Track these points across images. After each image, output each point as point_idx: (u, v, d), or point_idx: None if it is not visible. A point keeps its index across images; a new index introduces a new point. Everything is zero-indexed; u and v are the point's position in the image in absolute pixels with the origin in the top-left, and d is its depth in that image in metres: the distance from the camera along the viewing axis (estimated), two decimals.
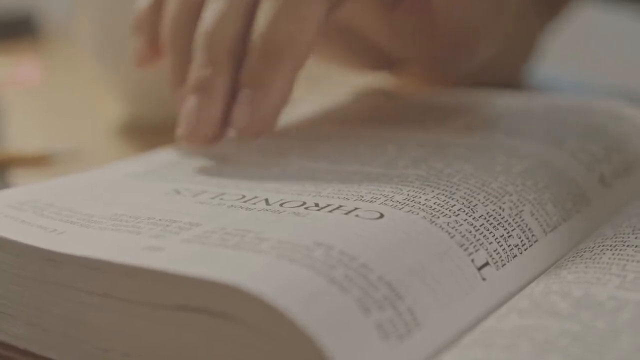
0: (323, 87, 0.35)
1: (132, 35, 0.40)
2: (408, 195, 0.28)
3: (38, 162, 0.47)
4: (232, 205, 0.28)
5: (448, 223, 0.27)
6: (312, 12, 0.33)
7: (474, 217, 0.27)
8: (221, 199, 0.29)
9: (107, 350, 0.25)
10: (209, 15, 0.34)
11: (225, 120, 0.34)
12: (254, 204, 0.28)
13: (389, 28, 0.38)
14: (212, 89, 0.33)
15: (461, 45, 0.39)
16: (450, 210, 0.27)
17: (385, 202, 0.27)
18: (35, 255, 0.26)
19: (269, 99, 0.33)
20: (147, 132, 0.54)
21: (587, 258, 0.27)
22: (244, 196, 0.29)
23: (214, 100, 0.33)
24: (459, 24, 0.38)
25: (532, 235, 0.28)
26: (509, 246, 0.27)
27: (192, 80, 0.34)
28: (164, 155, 0.36)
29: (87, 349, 0.26)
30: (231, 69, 0.34)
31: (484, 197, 0.29)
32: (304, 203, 0.28)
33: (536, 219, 0.29)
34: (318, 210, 0.27)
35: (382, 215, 0.26)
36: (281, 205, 0.28)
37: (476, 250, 0.26)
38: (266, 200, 0.29)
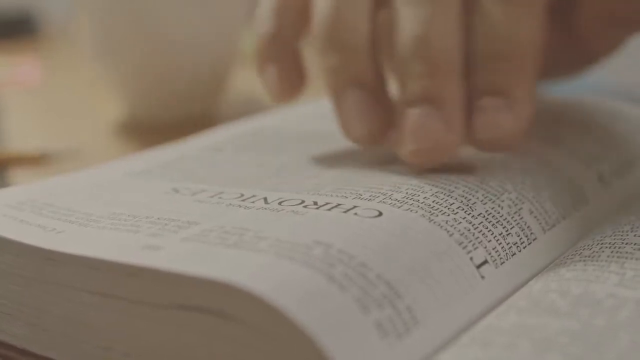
0: (322, 86, 0.34)
1: (261, 68, 0.36)
2: (407, 193, 0.28)
3: (37, 161, 0.47)
4: (230, 204, 0.28)
5: (447, 221, 0.27)
6: (541, 18, 0.31)
7: (473, 215, 0.27)
8: (220, 197, 0.29)
9: (107, 350, 0.25)
10: (418, 21, 0.31)
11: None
12: (253, 202, 0.28)
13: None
14: (444, 99, 0.29)
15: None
16: (448, 209, 0.27)
17: (384, 200, 0.27)
18: (34, 254, 0.26)
19: (523, 106, 0.30)
20: (146, 131, 0.54)
21: (586, 256, 0.27)
22: (242, 195, 0.29)
23: (450, 111, 0.29)
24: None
25: (531, 234, 0.28)
26: (507, 244, 0.27)
27: (415, 91, 0.30)
28: (163, 154, 0.36)
29: (87, 349, 0.26)
30: (460, 77, 0.30)
31: (483, 195, 0.29)
32: (303, 201, 0.28)
33: (535, 217, 0.29)
34: (317, 208, 0.27)
35: (380, 214, 0.26)
36: (280, 203, 0.28)
37: (475, 249, 0.26)
38: (265, 199, 0.29)
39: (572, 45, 0.37)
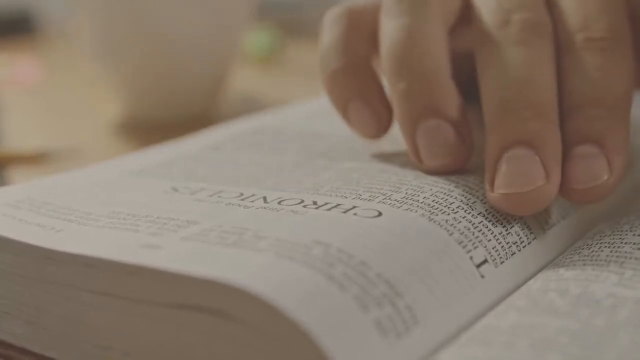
0: (320, 86, 0.34)
1: (343, 108, 0.34)
2: (406, 193, 0.28)
3: (36, 160, 0.47)
4: (230, 203, 0.28)
5: (447, 220, 0.27)
6: (632, 65, 0.31)
7: (473, 215, 0.27)
8: (219, 196, 0.29)
9: (106, 349, 0.25)
10: (524, 64, 0.30)
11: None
12: (252, 201, 0.28)
13: None
14: (546, 145, 0.28)
15: None
16: (448, 208, 0.27)
17: (384, 200, 0.27)
18: (33, 253, 0.26)
19: (622, 157, 0.29)
20: (145, 130, 0.54)
21: (585, 255, 0.27)
22: (242, 194, 0.29)
23: (551, 158, 0.28)
24: None
25: (531, 233, 0.28)
26: (507, 243, 0.27)
27: (518, 133, 0.28)
28: (162, 153, 0.36)
29: (87, 348, 0.26)
30: (558, 124, 0.29)
31: (483, 194, 0.29)
32: (302, 201, 0.28)
33: (535, 216, 0.29)
34: (316, 208, 0.27)
35: (380, 214, 0.26)
36: (279, 203, 0.28)
37: (475, 248, 0.26)
38: (264, 198, 0.29)
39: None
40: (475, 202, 0.28)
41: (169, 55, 0.54)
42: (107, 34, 0.54)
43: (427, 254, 0.25)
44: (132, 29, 0.53)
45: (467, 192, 0.28)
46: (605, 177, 0.28)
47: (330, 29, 0.34)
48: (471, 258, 0.26)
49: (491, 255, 0.26)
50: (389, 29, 0.32)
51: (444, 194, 0.28)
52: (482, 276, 0.26)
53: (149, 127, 0.54)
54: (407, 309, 0.23)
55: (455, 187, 0.29)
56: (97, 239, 0.26)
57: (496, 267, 0.26)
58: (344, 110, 0.34)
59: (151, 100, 0.55)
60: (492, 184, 0.28)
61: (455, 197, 0.28)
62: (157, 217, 0.27)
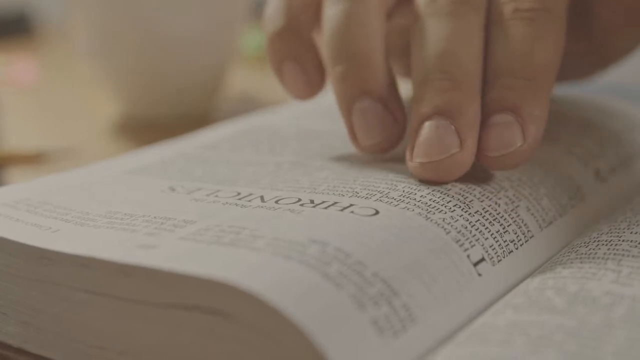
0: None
1: (277, 66, 0.35)
2: (403, 191, 0.28)
3: (33, 160, 0.47)
4: (227, 203, 0.28)
5: (444, 219, 0.27)
6: (562, 37, 0.31)
7: (470, 213, 0.27)
8: (216, 196, 0.29)
9: (102, 349, 0.25)
10: (445, 36, 0.30)
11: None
12: (249, 201, 0.28)
13: None
14: (462, 114, 0.29)
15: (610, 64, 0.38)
16: (445, 207, 0.27)
17: (381, 198, 0.27)
18: (29, 254, 0.26)
19: (536, 125, 0.29)
20: (143, 130, 0.54)
21: (582, 253, 0.27)
22: (239, 193, 0.29)
23: (467, 128, 0.29)
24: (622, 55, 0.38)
25: (528, 231, 0.28)
26: (504, 242, 0.27)
27: (435, 104, 0.29)
28: (159, 152, 0.36)
29: (82, 348, 0.26)
30: (479, 94, 0.30)
31: (480, 192, 0.29)
32: (299, 200, 0.28)
33: (532, 214, 0.29)
34: (313, 207, 0.27)
35: (377, 212, 0.26)
36: (276, 202, 0.28)
37: (472, 246, 0.26)
38: (261, 198, 0.29)
39: (589, 49, 0.37)
40: (472, 200, 0.28)
41: (166, 55, 0.53)
42: (104, 34, 0.54)
43: (424, 252, 0.25)
44: (129, 28, 0.53)
45: (463, 191, 0.28)
46: (519, 145, 0.29)
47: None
48: (468, 256, 0.26)
49: (488, 254, 0.26)
50: (329, 14, 0.33)
51: (441, 192, 0.28)
52: (480, 274, 0.26)
53: (146, 127, 0.54)
54: (404, 308, 0.23)
55: (452, 185, 0.29)
56: (94, 239, 0.26)
57: (493, 265, 0.26)
58: (279, 70, 0.35)
59: (148, 99, 0.55)
60: (411, 153, 0.29)
61: (452, 196, 0.28)
62: (154, 217, 0.27)
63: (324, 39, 0.33)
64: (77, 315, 0.25)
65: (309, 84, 0.35)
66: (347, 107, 0.32)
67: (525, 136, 0.29)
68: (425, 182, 0.29)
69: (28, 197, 0.30)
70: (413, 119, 0.30)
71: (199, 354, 0.23)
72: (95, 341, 0.25)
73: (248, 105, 0.59)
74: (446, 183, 0.29)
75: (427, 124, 0.29)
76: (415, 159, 0.29)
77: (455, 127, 0.29)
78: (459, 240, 0.26)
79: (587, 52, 0.37)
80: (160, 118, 0.56)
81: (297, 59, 0.34)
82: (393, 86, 0.32)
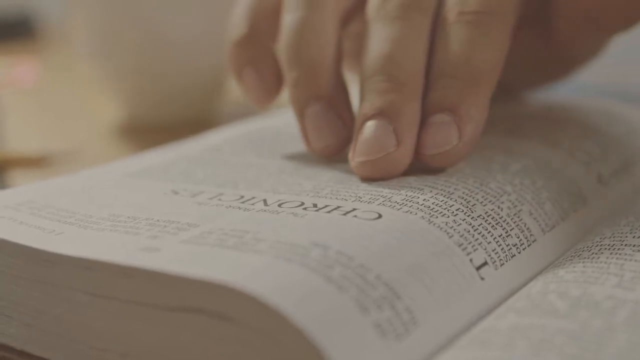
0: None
1: (238, 72, 0.36)
2: (406, 195, 0.28)
3: (35, 163, 0.47)
4: (230, 206, 0.28)
5: (446, 223, 0.27)
6: (506, 40, 0.32)
7: (473, 217, 0.27)
8: (219, 199, 0.29)
9: (103, 351, 0.25)
10: (388, 40, 0.31)
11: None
12: (252, 204, 0.28)
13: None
14: (400, 115, 0.30)
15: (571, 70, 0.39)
16: (448, 210, 0.27)
17: (384, 202, 0.27)
18: (32, 256, 0.26)
19: (473, 125, 0.30)
20: (144, 132, 0.54)
21: (585, 257, 0.27)
22: (242, 197, 0.29)
23: (405, 128, 0.30)
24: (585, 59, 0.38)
25: (531, 235, 0.28)
26: (507, 246, 0.27)
27: (375, 105, 0.31)
28: (162, 155, 0.36)
29: (84, 349, 0.26)
30: (420, 95, 0.31)
31: (483, 196, 0.29)
32: (302, 203, 0.28)
33: (534, 218, 0.29)
34: (316, 210, 0.27)
35: (380, 216, 0.26)
36: (279, 205, 0.28)
37: (474, 250, 0.26)
38: (264, 201, 0.29)
39: (553, 52, 0.38)
40: (475, 204, 0.28)
41: (167, 57, 0.53)
42: (105, 36, 0.54)
43: (426, 256, 0.25)
44: (130, 30, 0.53)
45: (466, 195, 0.28)
46: (455, 143, 0.30)
47: (240, 3, 0.37)
48: (471, 260, 0.26)
49: (491, 258, 0.26)
50: (286, 21, 0.34)
51: (444, 196, 0.28)
52: (482, 278, 0.26)
53: (148, 130, 0.54)
54: (407, 311, 0.23)
55: (455, 189, 0.29)
56: (97, 242, 0.26)
57: (496, 269, 0.26)
58: (238, 75, 0.36)
59: (149, 101, 0.55)
60: (354, 152, 0.31)
61: (455, 200, 0.28)
62: (157, 220, 0.27)
63: (280, 47, 0.35)
64: (79, 317, 0.25)
65: (267, 90, 0.36)
66: (299, 112, 0.33)
67: (461, 135, 0.30)
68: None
69: (31, 200, 0.30)
70: (357, 120, 0.31)
71: (200, 356, 0.23)
72: (97, 343, 0.25)
73: (250, 108, 0.59)
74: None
75: (367, 124, 0.30)
76: (356, 158, 0.30)
77: (393, 127, 0.30)
78: (462, 244, 0.26)
79: (550, 58, 0.38)
80: (162, 120, 0.56)
81: (255, 65, 0.36)
82: (343, 91, 0.33)
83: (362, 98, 0.31)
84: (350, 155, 0.31)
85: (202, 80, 0.55)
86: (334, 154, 0.33)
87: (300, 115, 0.33)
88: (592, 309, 0.23)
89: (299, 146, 0.36)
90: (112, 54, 0.54)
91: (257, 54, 0.36)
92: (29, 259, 0.26)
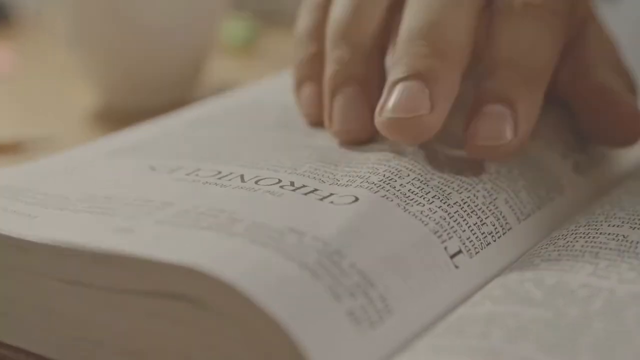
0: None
1: (298, 87, 0.35)
2: (384, 176, 0.28)
3: (12, 150, 0.47)
4: (207, 182, 0.28)
5: (422, 211, 0.27)
6: (562, 41, 0.31)
7: (449, 204, 0.27)
8: (196, 174, 0.29)
9: (79, 339, 0.25)
10: (433, 9, 0.30)
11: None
12: (229, 180, 0.28)
13: None
14: (439, 80, 0.29)
15: None
16: (424, 198, 0.27)
17: (361, 184, 0.27)
18: (5, 242, 0.26)
19: (527, 123, 0.30)
20: (121, 119, 0.53)
21: (560, 246, 0.27)
22: (219, 172, 0.29)
23: (441, 95, 0.29)
24: None
25: (506, 223, 0.28)
26: (482, 234, 0.27)
27: (412, 66, 0.29)
28: (139, 132, 0.36)
29: (60, 338, 0.25)
30: (461, 73, 0.30)
31: (458, 184, 0.28)
32: (280, 181, 0.28)
33: (510, 206, 0.29)
34: (293, 190, 0.27)
35: (356, 199, 0.26)
36: (256, 182, 0.28)
37: (449, 238, 0.26)
38: (241, 177, 0.28)
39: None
40: (450, 192, 0.28)
41: (144, 43, 0.53)
42: (81, 22, 0.53)
43: (401, 244, 0.25)
44: (107, 16, 0.52)
45: (442, 184, 0.28)
46: (509, 139, 0.29)
47: (304, 17, 0.36)
48: (445, 248, 0.26)
49: (465, 246, 0.26)
50: (337, 4, 0.34)
51: (421, 182, 0.28)
52: (457, 267, 0.26)
53: (124, 116, 0.54)
54: (381, 299, 0.23)
55: (431, 176, 0.28)
56: (72, 225, 0.26)
57: (471, 257, 0.26)
58: (297, 90, 0.35)
59: (126, 88, 0.55)
60: (381, 109, 0.29)
61: (432, 187, 0.28)
62: (134, 200, 0.27)
63: (328, 23, 0.34)
64: (54, 305, 0.25)
65: (320, 107, 0.34)
66: (332, 90, 0.32)
67: (516, 132, 0.29)
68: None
69: (7, 185, 0.30)
70: (389, 80, 0.30)
71: (176, 344, 0.23)
72: (72, 331, 0.25)
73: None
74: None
75: (401, 83, 0.29)
76: (384, 114, 0.29)
77: (429, 91, 0.29)
78: (437, 231, 0.26)
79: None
80: (139, 107, 0.55)
81: (317, 81, 0.34)
82: (381, 80, 0.32)
83: (397, 61, 0.30)
84: (376, 111, 0.29)
85: (179, 66, 0.55)
86: (352, 141, 0.31)
87: (332, 94, 0.32)
88: (568, 297, 0.23)
89: (280, 118, 0.35)
90: (88, 40, 0.54)
91: (318, 71, 0.34)
92: (2, 246, 0.26)
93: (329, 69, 0.33)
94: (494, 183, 0.29)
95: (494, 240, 0.27)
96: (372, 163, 0.29)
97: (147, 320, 0.23)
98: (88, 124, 0.53)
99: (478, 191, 0.29)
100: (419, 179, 0.28)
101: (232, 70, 0.67)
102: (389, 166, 0.28)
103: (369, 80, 0.32)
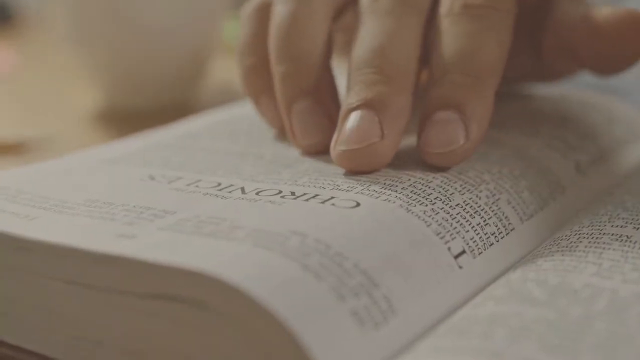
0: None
1: (256, 100, 0.36)
2: (384, 184, 0.28)
3: (12, 150, 0.47)
4: (207, 193, 0.28)
5: (424, 212, 0.27)
6: (509, 37, 0.31)
7: (451, 206, 0.27)
8: (197, 186, 0.29)
9: (79, 339, 0.25)
10: (380, 33, 0.31)
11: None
12: (230, 192, 0.28)
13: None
14: (388, 107, 0.29)
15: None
16: (426, 199, 0.27)
17: (362, 191, 0.27)
18: (5, 242, 0.26)
19: (479, 124, 0.30)
20: (123, 119, 0.53)
21: (563, 246, 0.27)
22: (219, 184, 0.29)
23: (391, 121, 0.29)
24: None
25: (509, 224, 0.28)
26: (485, 234, 0.27)
27: (362, 96, 0.30)
28: (139, 142, 0.36)
29: (59, 338, 0.25)
30: (410, 93, 0.30)
31: (461, 185, 0.28)
32: (280, 192, 0.28)
33: (513, 207, 0.29)
34: (294, 199, 0.27)
35: (358, 204, 0.26)
36: (257, 193, 0.28)
37: (453, 239, 0.26)
38: (242, 189, 0.28)
39: (540, 64, 0.37)
40: (453, 193, 0.28)
41: (145, 43, 0.53)
42: (83, 23, 0.53)
43: (404, 244, 0.25)
44: (108, 16, 0.52)
45: (445, 184, 0.28)
46: (461, 143, 0.29)
47: (245, 24, 0.36)
48: (449, 249, 0.26)
49: (469, 246, 0.26)
50: (276, 14, 0.34)
51: (422, 184, 0.28)
52: (460, 267, 0.26)
53: (125, 116, 0.54)
54: (384, 300, 0.23)
55: (434, 178, 0.29)
56: (72, 228, 0.26)
57: (474, 257, 0.26)
58: (256, 103, 0.36)
59: (127, 88, 0.55)
60: (336, 141, 0.30)
61: (434, 188, 0.28)
62: (134, 206, 0.27)
63: (269, 40, 0.34)
64: (54, 305, 0.25)
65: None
66: (286, 107, 0.33)
67: (468, 135, 0.29)
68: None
69: (6, 186, 0.30)
70: (342, 110, 0.30)
71: (177, 344, 0.23)
72: (72, 331, 0.25)
73: (229, 95, 0.59)
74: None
75: (352, 114, 0.30)
76: (338, 147, 0.29)
77: (378, 119, 0.29)
78: (440, 232, 0.26)
79: (538, 64, 0.38)
80: (140, 107, 0.55)
81: (270, 93, 0.35)
82: (332, 87, 0.33)
83: (349, 89, 0.31)
84: (331, 144, 0.30)
85: (180, 66, 0.55)
86: (320, 152, 0.32)
87: (287, 111, 0.33)
88: (571, 298, 0.23)
89: (278, 133, 0.35)
90: (89, 40, 0.54)
91: (268, 81, 0.35)
92: (2, 246, 0.26)
93: (278, 85, 0.33)
94: (496, 183, 0.29)
95: (497, 241, 0.27)
96: (373, 173, 0.29)
97: (148, 320, 0.23)
98: (89, 124, 0.53)
99: (481, 192, 0.29)
100: (420, 182, 0.28)
101: (233, 70, 0.67)
102: (389, 175, 0.28)
103: (319, 91, 0.32)
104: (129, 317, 0.24)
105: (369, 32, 0.31)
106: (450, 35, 0.31)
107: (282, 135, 0.35)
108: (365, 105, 0.30)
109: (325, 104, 0.32)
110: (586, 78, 0.40)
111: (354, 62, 0.31)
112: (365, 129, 0.29)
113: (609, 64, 0.34)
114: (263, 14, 0.36)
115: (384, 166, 0.29)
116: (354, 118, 0.30)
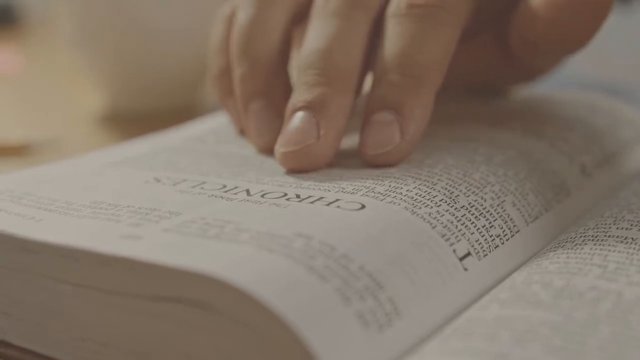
0: None
1: (223, 102, 0.37)
2: (389, 186, 0.28)
3: (18, 152, 0.47)
4: (212, 195, 0.28)
5: (430, 214, 0.27)
6: (454, 37, 0.31)
7: (456, 208, 0.27)
8: (202, 188, 0.29)
9: (84, 340, 0.25)
10: (323, 35, 0.32)
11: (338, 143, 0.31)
12: (235, 194, 0.28)
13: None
14: (327, 109, 0.30)
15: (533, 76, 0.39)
16: (431, 201, 0.27)
17: (367, 193, 0.27)
18: (10, 243, 0.26)
19: (416, 124, 0.30)
20: (126, 121, 0.53)
21: (568, 248, 0.27)
22: (224, 186, 0.29)
23: (330, 123, 0.30)
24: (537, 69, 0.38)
25: (514, 226, 0.28)
26: (490, 236, 0.27)
27: (303, 98, 0.31)
28: (144, 145, 0.36)
29: (64, 339, 0.25)
30: (352, 95, 0.31)
31: (466, 187, 0.28)
32: (285, 194, 0.28)
33: (518, 209, 0.29)
34: (299, 201, 0.27)
35: (363, 206, 0.26)
36: (262, 196, 0.28)
37: (458, 241, 0.26)
38: (247, 191, 0.28)
39: (511, 63, 0.37)
40: (458, 195, 0.28)
41: (151, 47, 0.53)
42: (88, 25, 0.54)
43: (409, 247, 0.25)
44: (113, 19, 0.52)
45: (450, 186, 0.28)
46: (397, 143, 0.30)
47: (215, 29, 0.38)
48: (454, 251, 0.26)
49: (474, 248, 0.26)
50: (238, 19, 0.35)
51: (427, 187, 0.28)
52: (466, 269, 0.26)
53: (130, 119, 0.54)
54: (390, 302, 0.23)
55: (439, 180, 0.29)
56: (77, 229, 0.26)
57: (479, 260, 0.26)
58: (223, 104, 0.37)
59: (132, 91, 0.55)
60: (278, 143, 0.31)
61: (439, 191, 0.28)
62: (139, 208, 0.27)
63: (230, 42, 0.35)
64: (59, 306, 0.25)
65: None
66: (243, 107, 0.34)
67: (404, 134, 0.30)
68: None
69: (11, 188, 0.30)
70: (286, 111, 0.31)
71: (182, 346, 0.23)
72: (77, 332, 0.25)
73: None
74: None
75: (294, 116, 0.31)
76: (278, 149, 0.30)
77: (316, 120, 0.30)
78: (445, 234, 0.26)
79: (509, 64, 0.38)
80: (145, 109, 0.55)
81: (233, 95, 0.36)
82: (287, 89, 0.34)
83: (294, 90, 0.32)
84: (275, 146, 0.31)
85: (185, 69, 0.55)
86: (271, 152, 0.32)
87: (245, 110, 0.34)
88: (576, 300, 0.23)
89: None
90: (94, 42, 0.54)
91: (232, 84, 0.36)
92: (8, 247, 0.26)
93: (236, 86, 0.34)
94: (501, 185, 0.29)
95: (502, 243, 0.27)
96: (377, 176, 0.29)
97: (153, 322, 0.23)
98: (94, 126, 0.53)
99: (486, 194, 0.28)
100: (425, 184, 0.28)
101: None
102: (394, 178, 0.28)
103: (272, 93, 0.34)
104: (135, 318, 0.24)
105: (315, 33, 0.32)
106: (393, 35, 0.31)
107: (243, 134, 0.36)
108: (305, 106, 0.31)
109: (278, 104, 0.33)
110: (591, 80, 0.40)
111: (299, 64, 0.32)
112: (302, 131, 0.30)
113: (569, 41, 0.34)
114: (230, 19, 0.37)
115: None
116: (294, 120, 0.31)
